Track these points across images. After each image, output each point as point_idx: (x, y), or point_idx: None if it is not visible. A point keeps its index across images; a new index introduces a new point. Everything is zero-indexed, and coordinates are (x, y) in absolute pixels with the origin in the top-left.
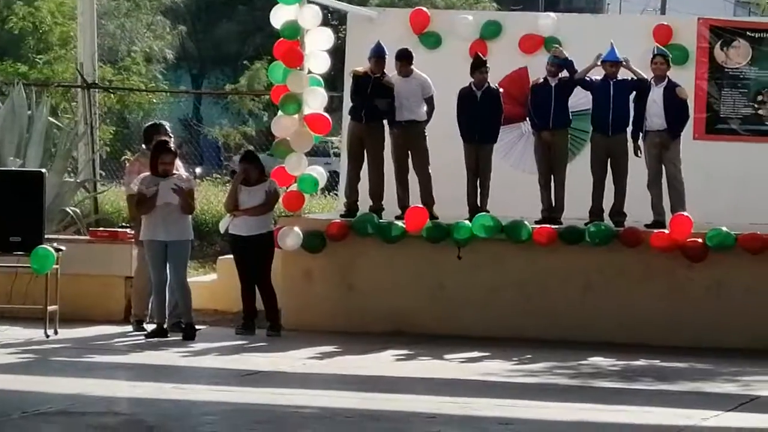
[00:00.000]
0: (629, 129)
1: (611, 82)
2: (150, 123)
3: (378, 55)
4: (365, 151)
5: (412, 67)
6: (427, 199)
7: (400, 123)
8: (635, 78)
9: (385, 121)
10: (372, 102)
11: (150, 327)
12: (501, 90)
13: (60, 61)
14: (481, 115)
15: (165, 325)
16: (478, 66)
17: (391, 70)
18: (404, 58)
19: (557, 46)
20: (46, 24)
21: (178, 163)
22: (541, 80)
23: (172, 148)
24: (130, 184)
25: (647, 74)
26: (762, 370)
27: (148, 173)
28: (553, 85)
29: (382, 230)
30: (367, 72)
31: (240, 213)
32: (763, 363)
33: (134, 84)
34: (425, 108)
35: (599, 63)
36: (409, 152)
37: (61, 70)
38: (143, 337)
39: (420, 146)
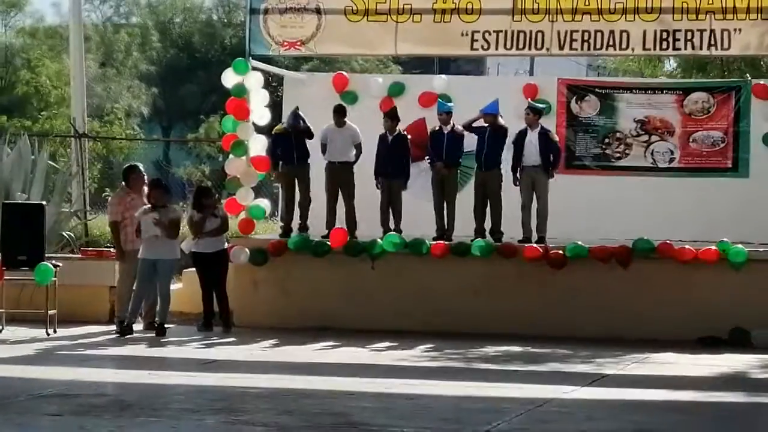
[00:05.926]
0: (510, 165)
1: (488, 129)
2: (127, 165)
3: (292, 123)
4: (296, 186)
5: (345, 119)
6: (350, 224)
7: (334, 163)
8: (502, 126)
9: (309, 161)
10: (298, 147)
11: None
12: (409, 136)
13: (57, 117)
14: (391, 155)
15: (133, 325)
16: (385, 116)
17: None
18: (339, 112)
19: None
20: (46, 87)
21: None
22: (437, 128)
23: (162, 185)
24: (112, 213)
25: (522, 123)
26: (609, 353)
27: (148, 206)
28: (445, 132)
29: (312, 247)
30: (287, 129)
31: (203, 236)
32: (610, 348)
33: (116, 134)
34: (354, 152)
35: (480, 112)
36: (339, 186)
37: (58, 124)
38: (118, 334)
39: (349, 182)
